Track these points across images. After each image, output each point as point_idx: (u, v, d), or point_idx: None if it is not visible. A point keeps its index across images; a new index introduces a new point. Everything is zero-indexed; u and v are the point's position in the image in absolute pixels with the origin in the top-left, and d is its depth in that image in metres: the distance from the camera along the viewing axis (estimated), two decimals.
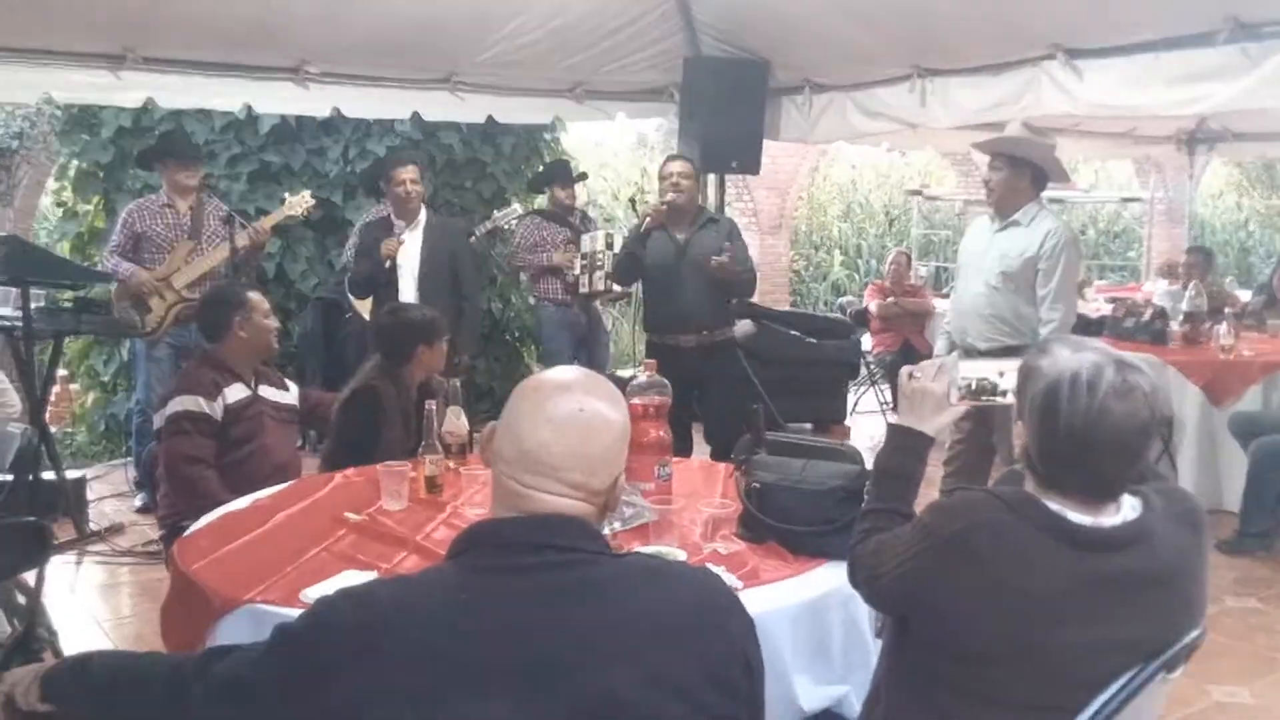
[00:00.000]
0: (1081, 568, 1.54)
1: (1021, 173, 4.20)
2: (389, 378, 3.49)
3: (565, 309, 5.94)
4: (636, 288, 5.20)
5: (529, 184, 6.67)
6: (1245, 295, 7.70)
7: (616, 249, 5.44)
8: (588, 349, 6.04)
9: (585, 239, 5.69)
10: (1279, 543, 4.64)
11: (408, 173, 5.01)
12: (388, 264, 4.91)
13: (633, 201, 6.33)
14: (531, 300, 6.74)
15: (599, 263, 5.58)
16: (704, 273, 4.55)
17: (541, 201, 6.39)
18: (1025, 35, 4.64)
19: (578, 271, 5.68)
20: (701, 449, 4.77)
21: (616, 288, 5.63)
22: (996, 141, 4.42)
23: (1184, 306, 5.98)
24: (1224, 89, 4.12)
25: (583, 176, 6.43)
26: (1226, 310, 6.13)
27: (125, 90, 4.92)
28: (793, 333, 6.93)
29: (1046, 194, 4.39)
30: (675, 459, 2.90)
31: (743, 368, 4.92)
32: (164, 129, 5.90)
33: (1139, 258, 12.55)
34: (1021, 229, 4.21)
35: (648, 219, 4.65)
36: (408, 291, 4.95)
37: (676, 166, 4.71)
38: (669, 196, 4.61)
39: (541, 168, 6.15)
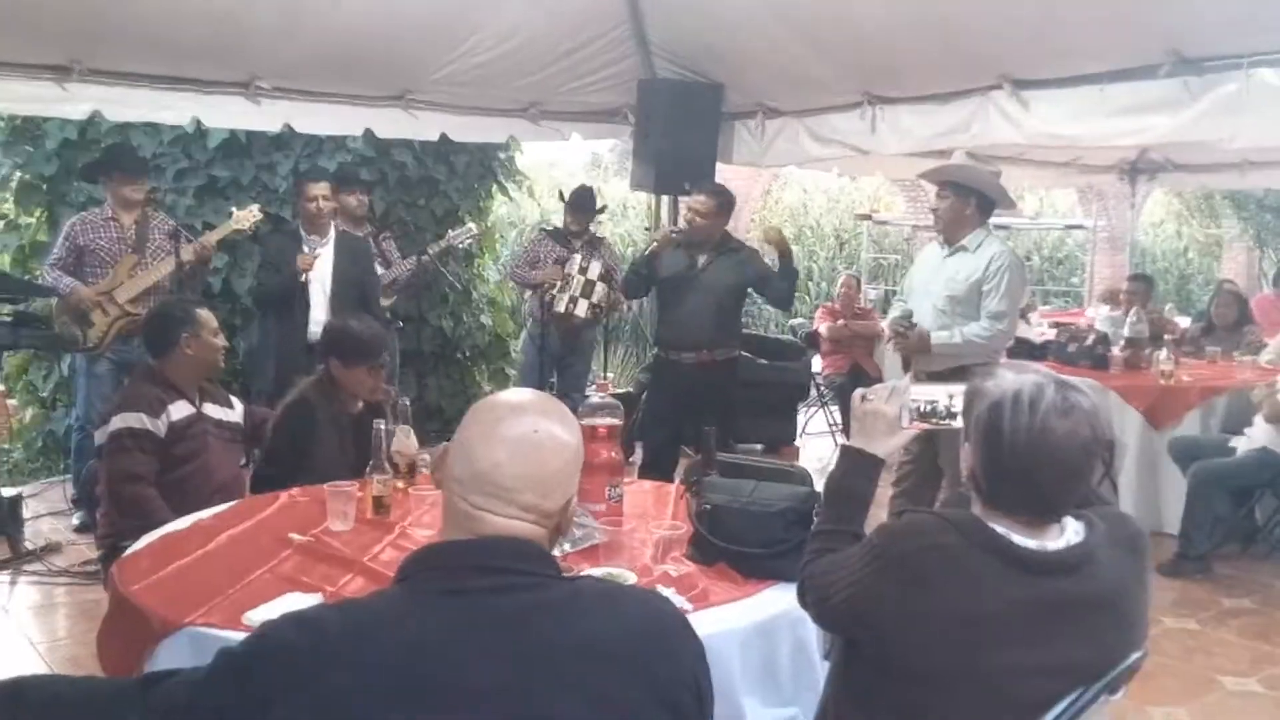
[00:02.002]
0: (1026, 591, 1.56)
1: (967, 200, 4.28)
2: (324, 392, 3.44)
3: (544, 327, 5.93)
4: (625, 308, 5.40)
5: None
6: (1185, 322, 7.89)
7: (590, 274, 5.73)
8: (560, 372, 6.04)
9: (569, 260, 5.80)
10: (1217, 565, 4.74)
11: (320, 188, 4.97)
12: (303, 278, 4.86)
13: None
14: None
15: (569, 285, 5.71)
16: (714, 295, 4.78)
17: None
18: (973, 65, 4.72)
19: (555, 291, 5.75)
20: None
21: (579, 313, 5.73)
22: (942, 170, 4.51)
23: (1125, 332, 6.10)
24: (1165, 122, 4.22)
25: (601, 209, 6.51)
26: (1166, 337, 6.27)
27: (71, 102, 4.83)
28: (744, 354, 6.96)
29: (993, 220, 4.47)
30: (628, 480, 2.89)
31: (737, 386, 5.06)
32: (110, 142, 5.80)
33: (1082, 284, 12.79)
34: (968, 254, 4.29)
35: (655, 243, 4.96)
36: (319, 307, 4.89)
37: (697, 199, 4.88)
38: (681, 222, 4.90)
39: (569, 195, 6.22)
